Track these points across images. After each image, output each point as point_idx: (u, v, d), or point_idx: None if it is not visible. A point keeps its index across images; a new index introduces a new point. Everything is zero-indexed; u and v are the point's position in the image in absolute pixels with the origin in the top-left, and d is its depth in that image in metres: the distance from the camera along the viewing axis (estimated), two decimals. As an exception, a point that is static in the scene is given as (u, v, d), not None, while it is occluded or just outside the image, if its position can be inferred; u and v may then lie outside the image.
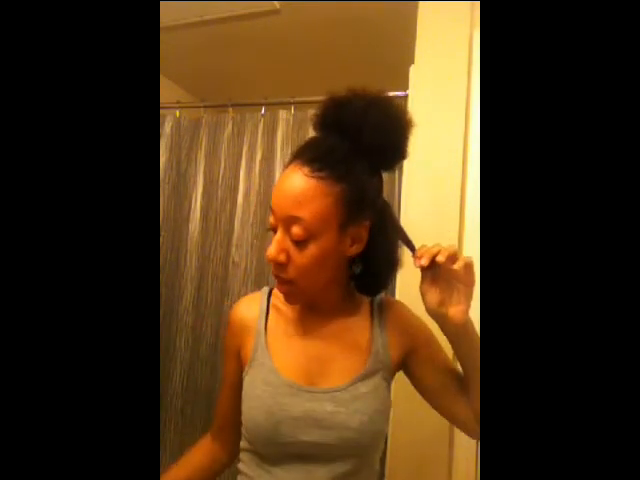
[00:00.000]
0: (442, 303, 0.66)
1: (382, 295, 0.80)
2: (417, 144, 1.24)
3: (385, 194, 1.33)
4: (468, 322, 0.67)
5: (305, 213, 0.61)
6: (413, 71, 1.28)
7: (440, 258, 0.63)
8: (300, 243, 0.63)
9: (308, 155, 0.64)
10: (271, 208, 0.66)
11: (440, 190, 1.19)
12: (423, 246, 0.67)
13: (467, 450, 1.11)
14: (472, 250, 1.15)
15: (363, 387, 0.69)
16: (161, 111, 1.57)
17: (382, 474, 1.16)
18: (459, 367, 0.75)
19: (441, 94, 1.22)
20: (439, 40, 1.24)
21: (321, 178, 0.62)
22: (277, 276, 0.67)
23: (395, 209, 1.31)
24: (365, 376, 0.70)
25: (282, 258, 0.64)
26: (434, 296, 0.66)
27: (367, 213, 0.67)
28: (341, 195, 0.63)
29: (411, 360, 0.76)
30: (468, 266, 0.64)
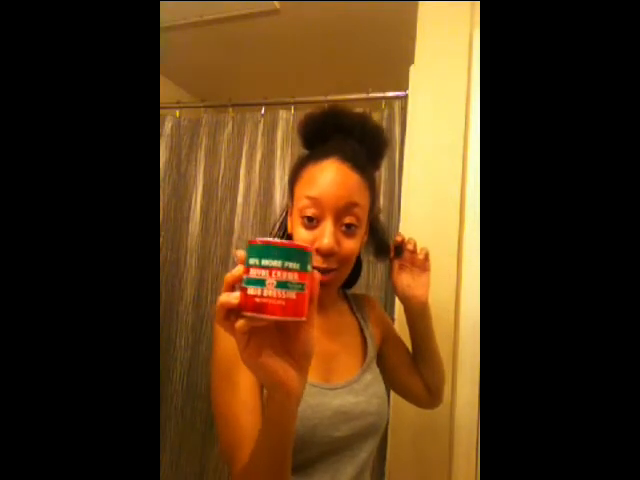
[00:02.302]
0: (409, 286, 0.81)
1: (349, 290, 0.88)
2: (417, 144, 1.24)
3: (385, 194, 1.34)
4: (427, 303, 0.82)
5: (360, 200, 0.69)
6: (413, 71, 1.28)
7: (410, 247, 0.80)
8: (350, 231, 0.68)
9: (346, 153, 0.70)
10: (314, 199, 0.67)
11: (440, 190, 1.19)
12: (395, 241, 0.82)
13: (467, 450, 1.11)
14: (472, 250, 1.15)
15: (369, 375, 0.75)
16: (161, 111, 1.56)
17: (382, 473, 1.16)
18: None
19: (441, 94, 1.22)
20: (439, 40, 1.24)
21: (360, 174, 0.70)
22: (321, 267, 0.66)
23: (395, 209, 1.31)
24: (368, 365, 0.76)
25: (337, 248, 0.67)
26: (403, 281, 0.81)
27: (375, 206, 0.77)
28: (370, 191, 0.72)
29: (385, 346, 0.86)
30: (427, 255, 0.81)
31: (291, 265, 0.40)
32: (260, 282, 0.40)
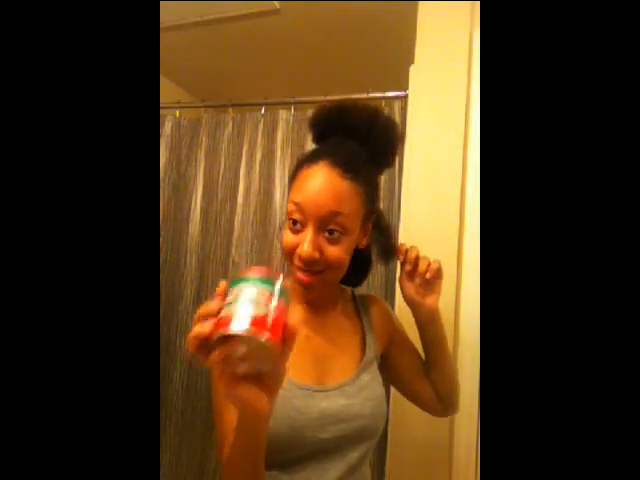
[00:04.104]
0: (418, 292, 0.78)
1: (355, 290, 0.87)
2: (417, 144, 1.24)
3: (385, 194, 1.34)
4: (437, 310, 0.80)
5: (345, 209, 0.67)
6: (413, 71, 1.28)
7: (422, 268, 0.76)
8: (335, 238, 0.67)
9: (338, 157, 0.68)
10: (298, 204, 0.67)
11: (440, 190, 1.19)
12: (403, 244, 0.80)
13: (467, 450, 1.11)
14: (472, 250, 1.15)
15: (366, 377, 0.74)
16: (161, 111, 1.56)
17: (382, 473, 1.16)
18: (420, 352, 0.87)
19: (441, 94, 1.22)
20: (439, 40, 1.24)
21: (352, 179, 0.68)
22: (306, 270, 0.68)
23: (395, 209, 1.31)
24: (365, 367, 0.75)
25: (317, 255, 0.67)
26: (412, 287, 0.79)
27: (375, 208, 0.76)
28: (364, 195, 0.70)
29: (391, 348, 0.84)
30: (439, 270, 0.77)
31: (262, 288, 0.43)
32: (233, 302, 0.42)
